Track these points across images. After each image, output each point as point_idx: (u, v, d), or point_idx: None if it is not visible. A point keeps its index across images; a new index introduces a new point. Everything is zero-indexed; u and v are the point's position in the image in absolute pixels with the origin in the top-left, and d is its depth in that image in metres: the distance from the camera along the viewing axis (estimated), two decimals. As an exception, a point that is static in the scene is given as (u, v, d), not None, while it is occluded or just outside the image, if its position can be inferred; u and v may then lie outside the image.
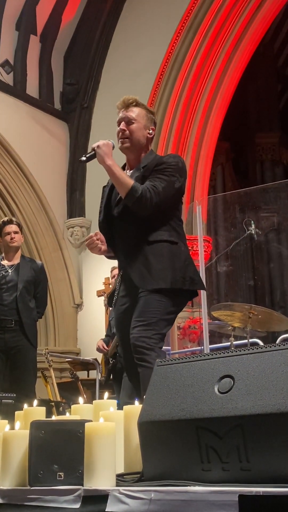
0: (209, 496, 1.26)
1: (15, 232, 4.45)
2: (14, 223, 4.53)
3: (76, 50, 8.77)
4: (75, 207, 8.44)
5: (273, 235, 10.34)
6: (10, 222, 4.51)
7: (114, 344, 4.70)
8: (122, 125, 2.74)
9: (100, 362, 5.68)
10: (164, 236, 2.69)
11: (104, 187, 2.95)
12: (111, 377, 4.74)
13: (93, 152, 2.69)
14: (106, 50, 8.70)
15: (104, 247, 2.75)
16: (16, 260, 4.48)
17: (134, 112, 2.75)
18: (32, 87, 8.30)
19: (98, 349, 4.94)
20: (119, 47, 8.61)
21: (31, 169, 7.97)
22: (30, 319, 4.35)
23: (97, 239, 2.73)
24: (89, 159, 2.72)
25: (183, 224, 2.85)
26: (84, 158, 2.73)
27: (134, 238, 2.70)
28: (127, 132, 2.73)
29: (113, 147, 2.72)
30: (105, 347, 4.86)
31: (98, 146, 2.66)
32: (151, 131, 2.77)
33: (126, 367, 2.88)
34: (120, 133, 2.74)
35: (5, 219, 4.56)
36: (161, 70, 8.10)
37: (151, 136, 2.79)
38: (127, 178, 2.66)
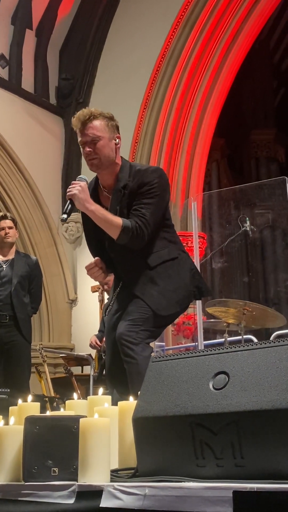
0: (203, 492, 1.27)
1: (10, 228, 4.45)
2: (9, 218, 4.53)
3: (72, 45, 8.73)
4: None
5: (267, 232, 10.36)
6: (4, 217, 4.50)
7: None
8: (87, 148, 2.57)
9: (93, 357, 5.68)
10: (165, 256, 2.63)
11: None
12: (104, 372, 4.75)
13: (70, 204, 2.55)
14: (102, 45, 8.67)
15: (105, 274, 2.70)
16: (11, 255, 4.48)
17: (95, 128, 2.57)
18: (28, 82, 8.27)
19: (91, 345, 4.94)
20: (115, 42, 8.59)
21: (26, 164, 7.94)
22: (24, 315, 4.34)
23: (100, 268, 2.67)
24: (69, 214, 2.57)
25: (173, 226, 2.78)
26: (65, 216, 2.57)
27: (133, 265, 2.63)
28: (93, 154, 2.58)
29: (87, 182, 2.60)
30: (98, 343, 4.86)
31: (73, 196, 2.52)
32: (117, 141, 2.63)
33: (108, 368, 2.82)
34: (87, 155, 2.59)
35: (1, 213, 4.56)
36: (157, 66, 8.08)
37: (118, 145, 2.64)
38: (115, 218, 2.53)
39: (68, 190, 2.56)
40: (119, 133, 2.67)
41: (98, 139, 2.57)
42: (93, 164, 2.60)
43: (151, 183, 2.60)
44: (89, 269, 2.69)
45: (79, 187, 2.53)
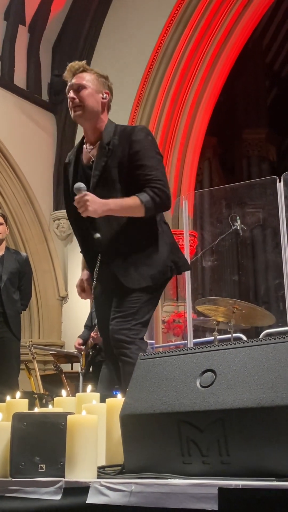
0: (189, 488, 1.28)
1: (0, 224, 4.43)
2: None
3: (65, 42, 8.71)
4: (62, 199, 8.39)
5: (258, 231, 10.39)
6: None
7: (92, 343, 4.71)
8: (71, 93, 2.54)
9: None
10: (146, 231, 2.54)
11: (66, 164, 2.72)
12: (91, 369, 4.75)
13: (90, 219, 2.48)
14: (95, 42, 8.65)
15: (86, 294, 2.67)
16: (1, 251, 4.46)
17: (82, 77, 2.55)
18: (20, 78, 8.24)
19: (76, 348, 4.94)
20: (108, 39, 8.58)
21: (17, 160, 7.92)
22: (14, 311, 4.33)
23: (82, 287, 2.66)
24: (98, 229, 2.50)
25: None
26: (97, 235, 2.49)
27: (114, 240, 2.53)
28: (77, 100, 2.53)
29: (85, 189, 2.45)
30: (81, 347, 4.83)
31: (88, 213, 2.43)
32: (105, 96, 2.57)
33: (105, 351, 2.77)
34: (71, 102, 2.55)
35: None
36: (150, 64, 8.08)
37: (106, 100, 2.58)
38: (131, 201, 2.46)
39: (79, 210, 2.46)
40: (109, 92, 2.61)
41: (83, 87, 2.54)
42: (75, 113, 2.55)
43: (142, 141, 2.53)
44: (78, 287, 2.69)
45: (87, 203, 2.42)
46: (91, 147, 2.63)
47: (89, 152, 2.64)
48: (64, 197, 2.75)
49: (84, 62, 2.64)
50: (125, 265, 2.52)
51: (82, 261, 2.85)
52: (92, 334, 4.70)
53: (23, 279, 4.46)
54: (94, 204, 2.42)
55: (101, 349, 4.59)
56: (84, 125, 2.62)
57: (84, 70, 2.59)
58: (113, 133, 2.57)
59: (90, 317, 4.98)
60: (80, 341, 4.86)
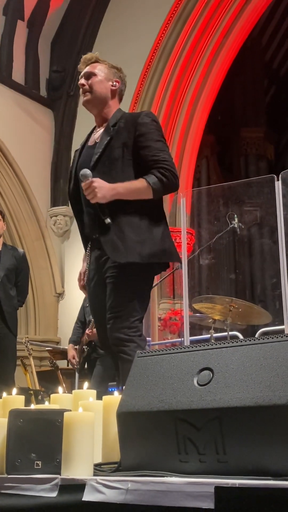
0: (185, 487, 1.28)
1: None
2: None
3: (64, 38, 8.68)
4: (59, 195, 8.40)
5: (255, 230, 10.40)
6: None
7: (86, 340, 4.69)
8: (82, 80, 2.68)
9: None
10: (139, 204, 2.50)
11: (76, 151, 2.79)
12: (86, 365, 4.74)
13: (100, 206, 2.48)
14: (93, 38, 8.63)
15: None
16: (-2, 247, 4.45)
17: (93, 66, 2.69)
18: (18, 73, 8.21)
19: (70, 362, 4.89)
20: (106, 36, 8.55)
21: (14, 156, 7.89)
22: (11, 308, 4.33)
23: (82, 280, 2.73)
24: (108, 214, 2.49)
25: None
26: (108, 220, 2.48)
27: (108, 207, 2.50)
28: (87, 86, 2.65)
29: (91, 176, 2.47)
30: (74, 361, 4.77)
31: (97, 200, 2.44)
32: (114, 83, 2.68)
33: (101, 343, 2.75)
34: (81, 88, 2.68)
35: None
36: (148, 61, 8.07)
37: (116, 88, 2.68)
38: (138, 183, 2.48)
39: (88, 197, 2.48)
40: (120, 81, 2.71)
41: (93, 74, 2.67)
42: (84, 98, 2.67)
43: (148, 124, 2.58)
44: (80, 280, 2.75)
45: (95, 190, 2.44)
46: (98, 129, 2.70)
47: (95, 134, 2.70)
48: (68, 178, 2.79)
49: (96, 53, 2.77)
50: (114, 240, 2.48)
51: (84, 254, 2.86)
52: (87, 331, 4.68)
53: (20, 275, 4.45)
54: (102, 190, 2.44)
55: (96, 346, 4.58)
56: (92, 111, 2.71)
57: (96, 61, 2.72)
58: (120, 117, 2.64)
59: (83, 312, 4.94)
60: (72, 352, 4.75)
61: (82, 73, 2.70)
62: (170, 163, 2.55)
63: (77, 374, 5.27)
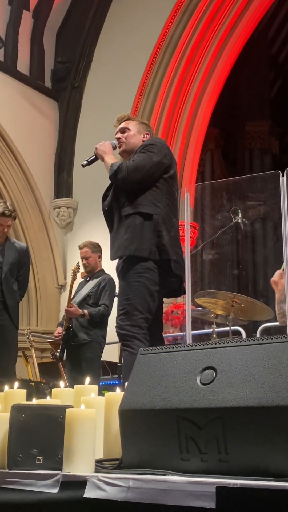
0: (187, 486, 1.28)
1: (8, 226, 4.39)
2: (12, 216, 4.38)
3: (69, 28, 8.63)
4: (62, 187, 8.38)
5: (259, 225, 10.37)
6: (9, 215, 4.33)
7: (67, 318, 4.75)
8: (118, 135, 3.14)
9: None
10: (138, 209, 2.85)
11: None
12: (65, 353, 4.76)
13: (94, 155, 3.09)
14: (99, 29, 8.58)
15: None
16: (1, 240, 4.44)
17: (126, 123, 3.15)
18: (23, 64, 8.18)
19: (55, 336, 4.95)
20: (112, 27, 8.50)
21: (19, 147, 7.88)
22: (14, 301, 4.36)
23: None
24: (90, 162, 3.14)
25: (172, 196, 2.98)
26: (84, 162, 3.13)
27: (117, 217, 2.93)
28: (122, 139, 3.11)
29: (114, 147, 3.10)
30: (59, 335, 4.83)
31: (95, 149, 3.08)
32: (145, 136, 3.12)
33: None
34: (118, 141, 3.14)
35: (6, 210, 4.31)
36: (154, 53, 8.02)
37: (146, 139, 3.10)
38: (111, 161, 2.98)
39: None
40: (150, 134, 3.17)
41: (126, 129, 3.13)
42: (120, 148, 3.14)
43: (146, 144, 3.03)
44: None
45: (102, 142, 3.08)
46: None
47: None
48: (103, 199, 3.11)
49: (128, 113, 3.38)
50: (112, 241, 2.93)
51: None
52: (65, 308, 4.77)
53: (22, 269, 4.45)
54: (102, 147, 3.08)
55: (74, 334, 4.71)
56: (126, 159, 3.15)
57: (128, 118, 3.21)
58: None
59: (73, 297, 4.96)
60: (60, 329, 4.86)
61: (117, 129, 3.16)
62: (135, 164, 2.89)
63: (61, 366, 5.26)
